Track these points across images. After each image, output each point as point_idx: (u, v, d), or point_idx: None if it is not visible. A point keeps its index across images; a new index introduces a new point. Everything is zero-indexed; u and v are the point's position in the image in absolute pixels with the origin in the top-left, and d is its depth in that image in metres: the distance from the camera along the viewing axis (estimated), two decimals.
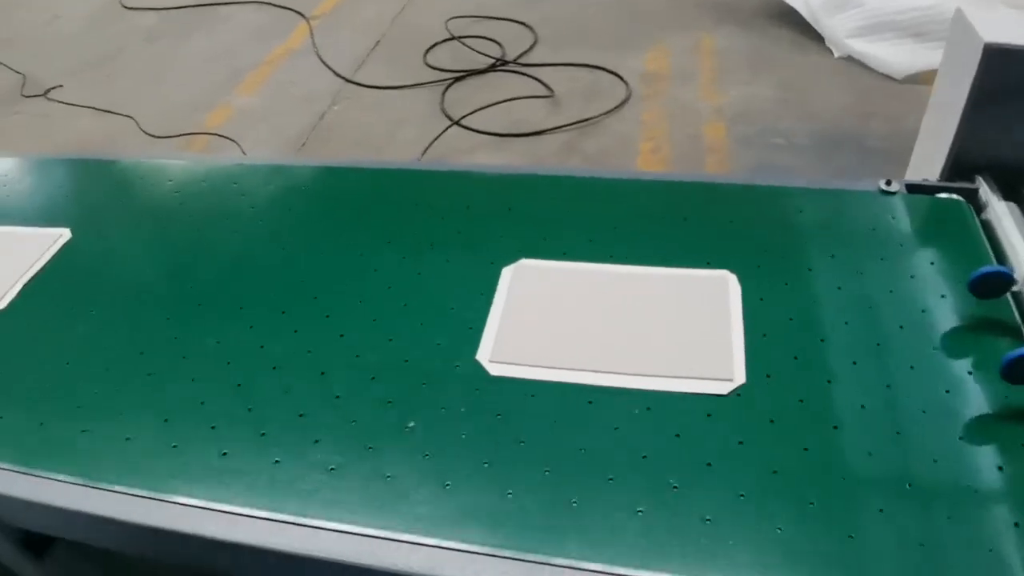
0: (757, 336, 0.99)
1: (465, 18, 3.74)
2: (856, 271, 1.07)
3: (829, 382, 0.93)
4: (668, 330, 1.01)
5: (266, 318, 1.09)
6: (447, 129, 2.96)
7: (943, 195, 1.21)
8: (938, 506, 0.79)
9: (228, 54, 3.77)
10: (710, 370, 0.95)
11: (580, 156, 2.82)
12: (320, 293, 1.13)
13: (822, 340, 0.98)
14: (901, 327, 0.98)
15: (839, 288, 1.04)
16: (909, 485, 0.81)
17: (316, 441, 0.91)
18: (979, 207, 1.21)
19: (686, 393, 0.93)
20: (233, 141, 3.12)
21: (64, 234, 1.29)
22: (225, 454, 0.91)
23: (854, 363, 0.95)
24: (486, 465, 0.87)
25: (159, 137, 3.19)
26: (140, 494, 0.88)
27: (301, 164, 1.44)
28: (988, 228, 1.17)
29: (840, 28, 3.25)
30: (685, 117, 2.98)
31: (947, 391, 0.90)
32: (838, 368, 0.94)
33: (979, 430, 0.86)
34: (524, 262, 1.14)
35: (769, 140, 2.79)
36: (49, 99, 3.55)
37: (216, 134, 3.17)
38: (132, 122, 3.29)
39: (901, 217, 1.17)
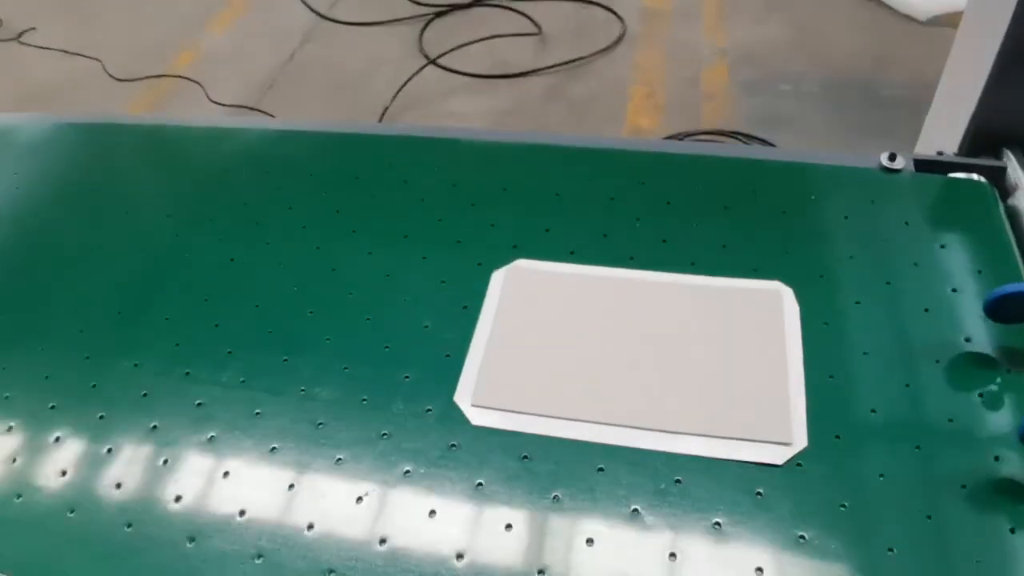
0: (821, 377, 0.75)
1: None
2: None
3: (918, 447, 0.70)
4: (705, 367, 0.77)
5: (192, 329, 0.87)
6: (421, 69, 2.72)
7: (960, 174, 0.98)
8: None
9: None
10: (761, 429, 0.71)
11: (566, 102, 2.57)
12: (261, 299, 0.89)
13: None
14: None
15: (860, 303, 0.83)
16: None
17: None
18: (1006, 190, 0.99)
19: (727, 460, 0.70)
20: (198, 84, 2.89)
21: None
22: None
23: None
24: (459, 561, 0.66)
25: (124, 80, 2.97)
26: None
27: (244, 127, 1.18)
28: (1016, 218, 0.95)
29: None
30: (684, 59, 2.71)
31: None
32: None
33: None
34: (520, 264, 0.90)
35: (775, 86, 2.53)
36: (21, 43, 3.34)
37: (181, 76, 2.94)
38: (99, 65, 3.07)
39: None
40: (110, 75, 3.00)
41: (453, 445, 0.74)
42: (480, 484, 0.71)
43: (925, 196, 0.96)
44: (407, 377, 0.79)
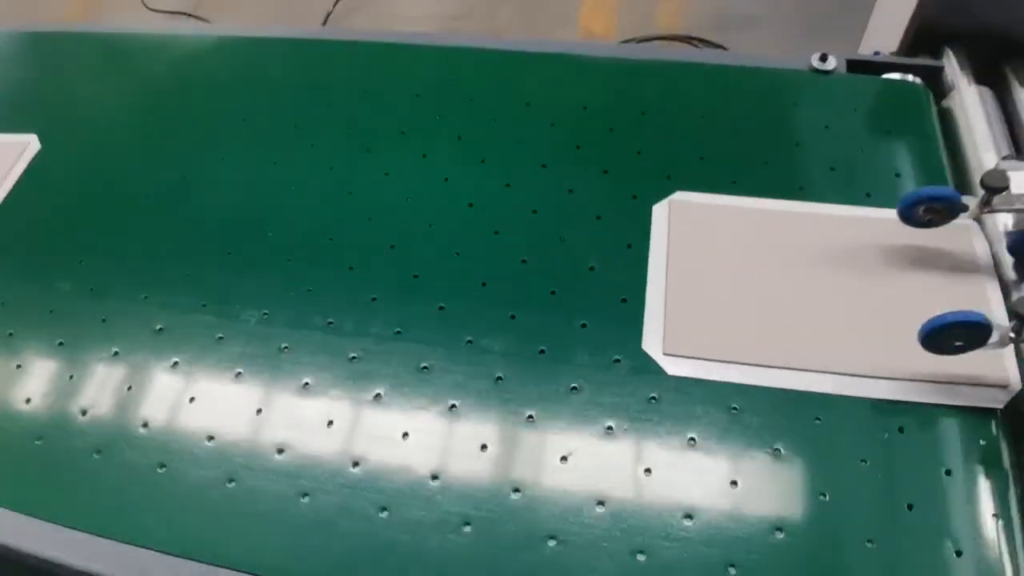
0: None
1: None
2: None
3: None
4: (896, 306, 0.71)
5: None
6: None
7: (894, 75, 0.92)
8: None
9: None
10: (977, 368, 0.66)
11: (515, 4, 2.44)
12: (435, 220, 0.83)
13: None
14: None
15: None
16: None
17: None
18: (942, 92, 0.93)
19: (946, 406, 0.66)
20: None
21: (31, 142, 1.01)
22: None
23: None
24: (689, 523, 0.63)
25: None
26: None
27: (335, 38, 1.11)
28: (948, 120, 0.89)
29: None
30: None
31: None
32: None
33: None
34: (680, 197, 0.81)
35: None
36: None
37: None
38: None
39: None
40: None
41: (652, 398, 0.67)
42: (692, 439, 0.65)
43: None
44: (584, 325, 0.72)
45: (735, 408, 0.66)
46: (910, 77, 0.95)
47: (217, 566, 0.63)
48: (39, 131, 1.00)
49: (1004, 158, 0.86)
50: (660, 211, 0.79)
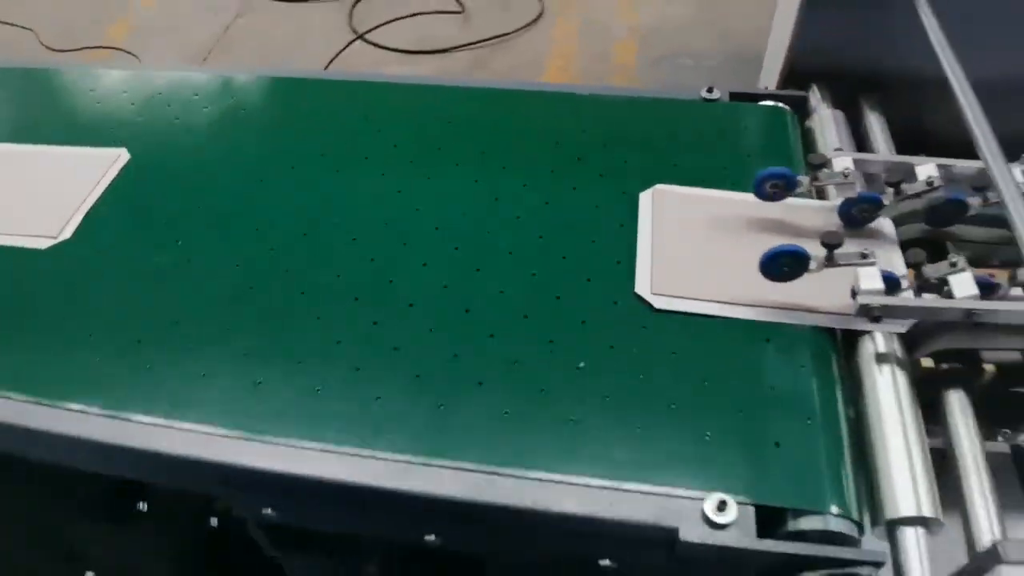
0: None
1: None
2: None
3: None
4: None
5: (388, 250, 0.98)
6: (350, 44, 2.85)
7: (767, 103, 1.17)
8: None
9: None
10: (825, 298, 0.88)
11: (488, 73, 2.74)
12: (443, 224, 1.01)
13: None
14: None
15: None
16: None
17: (480, 384, 0.83)
18: (806, 116, 1.18)
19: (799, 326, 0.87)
20: (133, 55, 2.98)
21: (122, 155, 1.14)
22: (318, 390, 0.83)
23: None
24: (673, 407, 0.80)
25: (59, 51, 3.04)
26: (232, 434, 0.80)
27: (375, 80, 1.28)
28: (809, 136, 1.14)
29: None
30: (597, 35, 2.89)
31: None
32: None
33: None
34: (661, 188, 1.03)
35: (678, 61, 2.72)
36: None
37: (115, 48, 3.03)
38: (33, 35, 3.13)
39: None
40: (45, 45, 3.06)
41: (644, 327, 0.87)
42: (674, 353, 0.85)
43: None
44: (589, 280, 0.93)
45: (703, 334, 0.86)
46: (778, 104, 1.20)
47: None
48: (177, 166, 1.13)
49: (836, 149, 1.09)
50: (645, 197, 1.01)
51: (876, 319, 0.79)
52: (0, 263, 0.99)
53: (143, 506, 1.06)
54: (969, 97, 0.88)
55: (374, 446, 0.77)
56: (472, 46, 2.86)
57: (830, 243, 0.81)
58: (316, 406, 0.81)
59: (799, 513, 0.72)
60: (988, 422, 0.86)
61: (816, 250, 0.83)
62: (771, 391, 0.80)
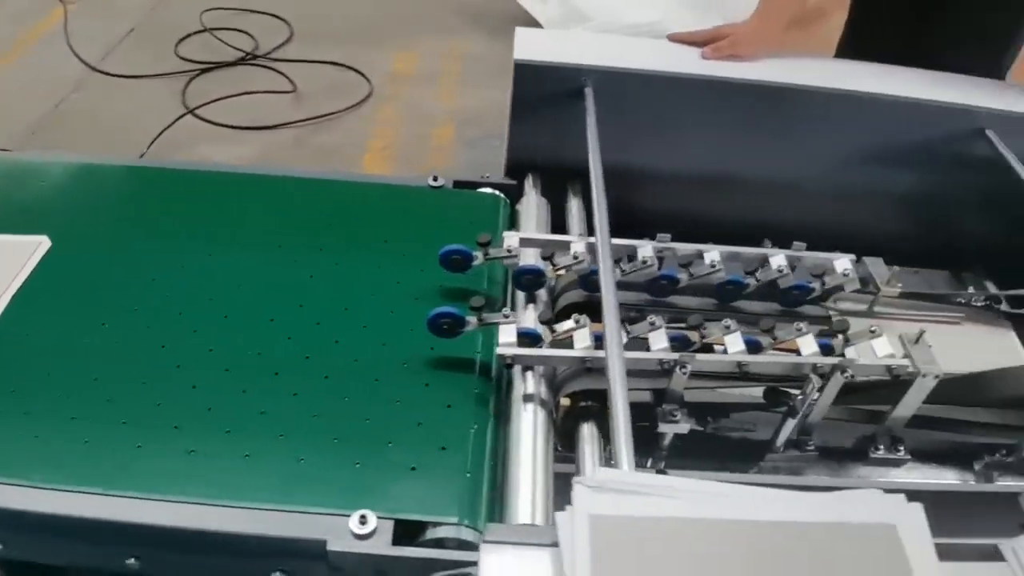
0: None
1: (224, 10, 3.73)
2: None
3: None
4: None
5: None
6: (179, 119, 2.98)
7: (485, 190, 1.40)
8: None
9: None
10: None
11: (310, 151, 2.92)
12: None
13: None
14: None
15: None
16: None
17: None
18: (518, 200, 1.42)
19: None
20: None
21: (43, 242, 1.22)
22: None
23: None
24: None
25: None
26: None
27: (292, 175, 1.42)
28: (516, 217, 1.38)
29: None
30: (420, 118, 3.14)
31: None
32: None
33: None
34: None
35: (490, 142, 2.99)
36: None
37: None
38: None
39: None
40: None
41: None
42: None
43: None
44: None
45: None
46: (493, 191, 1.43)
47: None
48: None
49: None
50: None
51: (509, 366, 1.00)
52: None
53: None
54: (599, 184, 1.12)
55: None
56: (297, 124, 3.04)
57: (476, 307, 1.02)
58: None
59: (437, 525, 0.90)
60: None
61: None
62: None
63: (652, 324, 1.03)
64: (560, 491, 0.96)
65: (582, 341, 1.01)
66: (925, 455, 1.15)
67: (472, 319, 1.03)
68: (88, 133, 2.97)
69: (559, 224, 1.38)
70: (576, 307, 1.16)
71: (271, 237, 1.28)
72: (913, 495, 1.00)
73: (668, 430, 1.03)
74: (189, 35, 3.55)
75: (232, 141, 2.96)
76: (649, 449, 1.10)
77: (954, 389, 1.09)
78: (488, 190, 1.40)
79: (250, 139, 2.98)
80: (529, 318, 1.08)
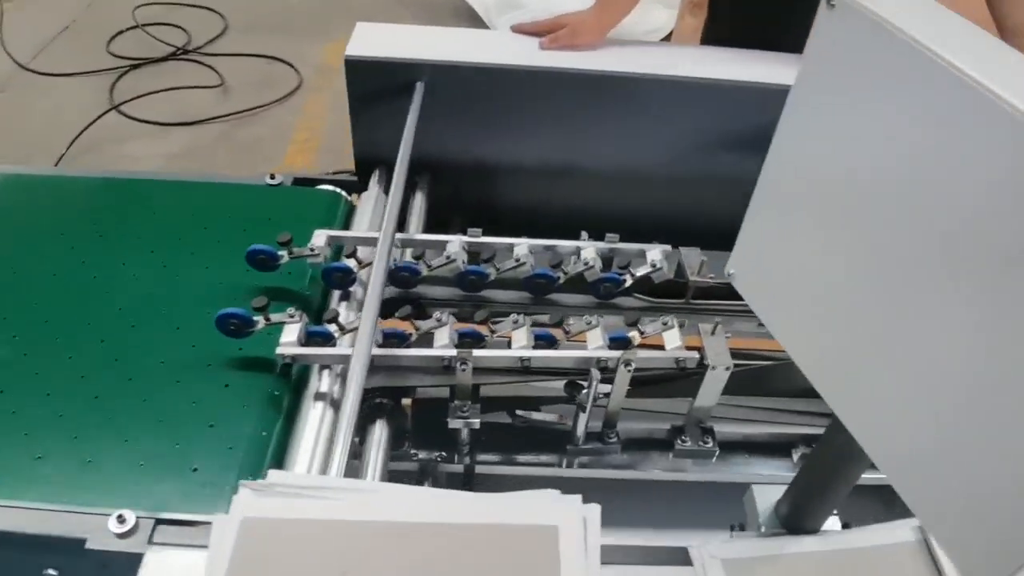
0: None
1: (159, 4, 3.71)
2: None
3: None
4: None
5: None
6: (102, 116, 2.97)
7: (324, 186, 1.40)
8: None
9: None
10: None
11: (233, 143, 2.91)
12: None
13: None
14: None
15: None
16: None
17: None
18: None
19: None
20: None
21: None
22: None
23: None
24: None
25: None
26: None
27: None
28: (352, 212, 1.37)
29: (507, 28, 3.49)
30: (347, 109, 3.12)
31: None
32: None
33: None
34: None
35: None
36: None
37: None
38: None
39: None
40: None
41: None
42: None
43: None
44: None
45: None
46: (333, 187, 1.43)
47: None
48: None
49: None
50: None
51: (288, 365, 1.01)
52: None
53: None
54: (399, 181, 1.12)
55: None
56: (223, 118, 3.03)
57: (258, 307, 1.02)
58: None
59: (201, 524, 0.90)
60: (409, 445, 1.08)
61: None
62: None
63: (439, 320, 1.03)
64: None
65: (441, 339, 1.02)
66: (738, 446, 1.15)
67: (260, 319, 1.03)
68: (11, 135, 2.97)
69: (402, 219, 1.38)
70: (393, 303, 1.16)
71: (99, 240, 1.28)
72: (722, 487, 1.00)
73: (457, 426, 1.03)
74: (121, 32, 3.53)
75: (158, 137, 2.96)
76: (453, 444, 1.11)
77: (754, 380, 1.09)
78: (328, 187, 1.39)
79: (176, 135, 2.97)
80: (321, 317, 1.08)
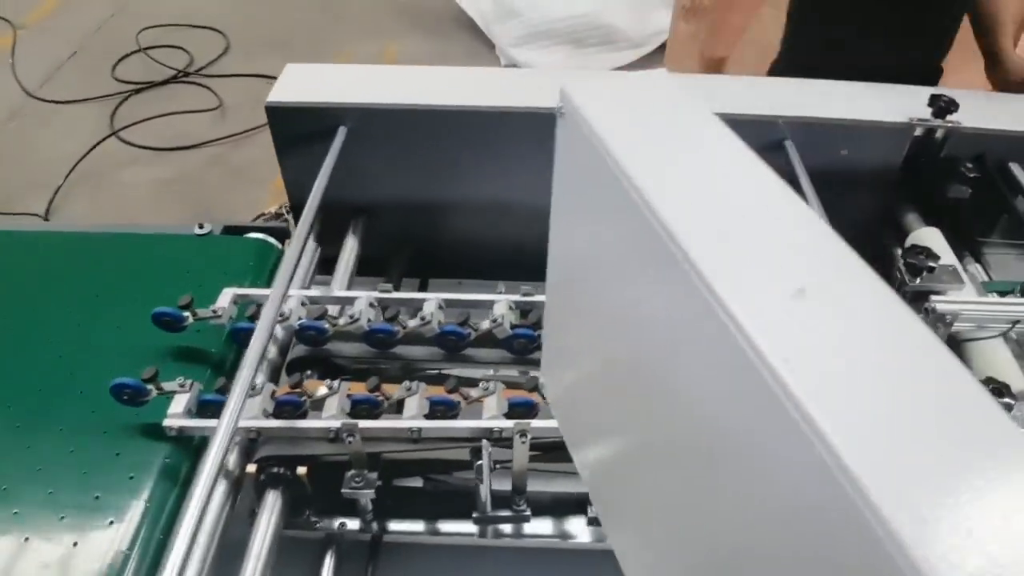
0: None
1: (163, 27, 3.75)
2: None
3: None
4: None
5: None
6: (99, 143, 3.01)
7: (254, 234, 1.37)
8: None
9: None
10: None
11: (226, 167, 2.92)
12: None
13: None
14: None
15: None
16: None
17: None
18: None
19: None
20: None
21: None
22: None
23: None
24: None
25: None
26: None
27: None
28: (280, 257, 1.34)
29: (505, 37, 3.45)
30: None
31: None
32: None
33: None
34: None
35: None
36: None
37: None
38: None
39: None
40: None
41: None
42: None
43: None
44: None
45: None
46: (262, 236, 1.40)
47: None
48: None
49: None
50: None
51: (175, 437, 0.98)
52: None
53: None
54: (302, 232, 1.09)
55: None
56: (218, 141, 3.05)
57: (146, 378, 1.00)
58: None
59: None
60: (308, 513, 1.05)
61: None
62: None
63: (330, 388, 1.00)
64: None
65: (330, 409, 0.99)
66: None
67: (152, 388, 1.01)
68: (15, 166, 3.02)
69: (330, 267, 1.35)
70: (303, 363, 1.13)
71: (16, 299, 1.27)
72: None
73: (351, 495, 0.99)
74: (126, 55, 3.58)
75: (152, 163, 2.98)
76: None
77: None
78: (258, 235, 1.37)
79: (171, 160, 3.00)
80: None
